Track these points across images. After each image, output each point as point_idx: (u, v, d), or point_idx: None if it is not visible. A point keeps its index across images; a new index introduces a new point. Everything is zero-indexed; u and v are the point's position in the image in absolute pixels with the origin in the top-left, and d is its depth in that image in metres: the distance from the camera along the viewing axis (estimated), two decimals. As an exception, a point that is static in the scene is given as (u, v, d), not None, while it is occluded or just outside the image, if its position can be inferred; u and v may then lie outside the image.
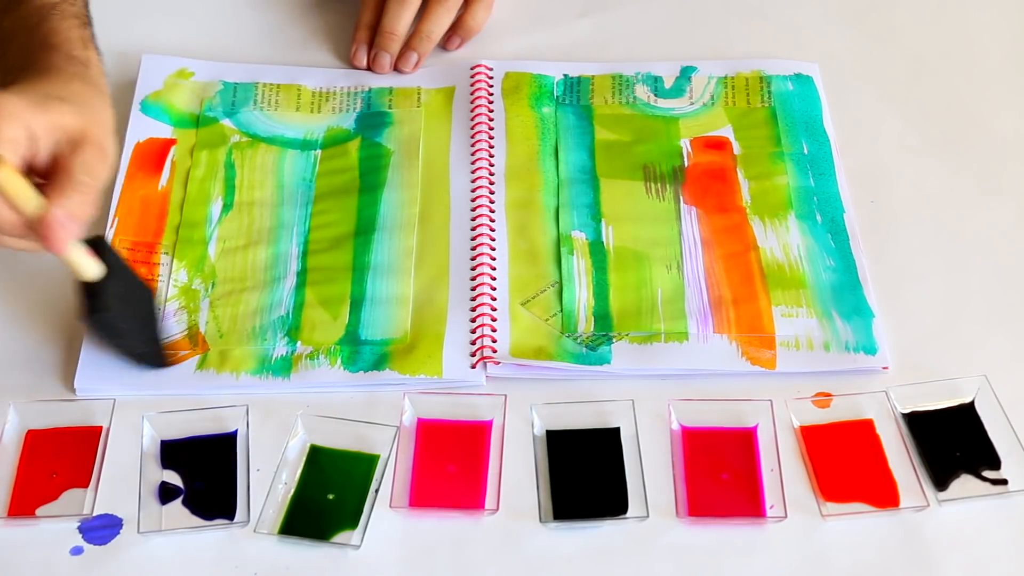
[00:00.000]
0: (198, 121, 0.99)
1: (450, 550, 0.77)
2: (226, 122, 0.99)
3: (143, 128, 0.98)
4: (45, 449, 0.80)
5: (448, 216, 0.94)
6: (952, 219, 0.94)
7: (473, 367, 0.85)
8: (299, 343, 0.86)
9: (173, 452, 0.80)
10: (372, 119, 1.00)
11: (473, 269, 0.90)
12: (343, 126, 1.00)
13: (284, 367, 0.85)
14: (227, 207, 0.94)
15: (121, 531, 0.77)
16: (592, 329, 0.86)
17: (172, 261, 0.90)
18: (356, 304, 0.88)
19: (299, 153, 0.98)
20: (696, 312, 0.87)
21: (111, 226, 0.91)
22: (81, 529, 0.77)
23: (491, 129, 0.99)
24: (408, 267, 0.90)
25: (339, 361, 0.85)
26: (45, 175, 0.75)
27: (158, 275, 0.89)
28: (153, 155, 0.97)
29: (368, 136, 0.99)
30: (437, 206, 0.94)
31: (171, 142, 0.98)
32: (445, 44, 1.05)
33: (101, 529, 0.77)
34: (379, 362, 0.85)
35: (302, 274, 0.90)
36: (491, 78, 1.02)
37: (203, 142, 0.98)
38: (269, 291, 0.89)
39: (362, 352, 0.85)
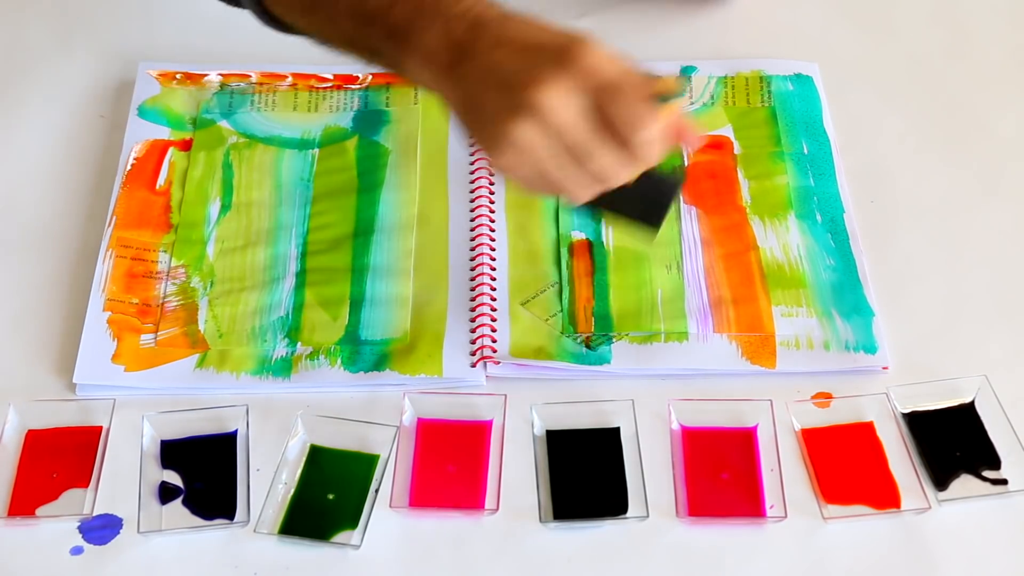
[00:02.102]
0: (195, 123, 0.99)
1: (450, 550, 0.77)
2: (223, 123, 0.99)
3: (141, 131, 0.98)
4: (45, 449, 0.80)
5: (447, 216, 0.93)
6: (952, 219, 0.94)
7: (473, 367, 0.85)
8: (299, 344, 0.86)
9: (173, 452, 0.80)
10: (369, 117, 1.00)
11: (473, 269, 0.90)
12: (340, 124, 0.99)
13: (284, 367, 0.84)
14: (225, 208, 0.94)
15: (121, 531, 0.77)
16: (592, 329, 0.86)
17: (171, 260, 0.90)
18: (356, 305, 0.88)
19: (296, 153, 0.98)
20: (696, 312, 0.87)
21: (109, 225, 0.91)
22: (81, 529, 0.77)
23: (491, 129, 0.99)
24: (407, 267, 0.90)
25: (339, 361, 0.85)
26: None
27: (156, 273, 0.89)
28: (152, 156, 0.97)
29: (365, 135, 0.99)
30: (436, 206, 0.94)
31: (169, 143, 0.98)
32: None
33: (101, 529, 0.77)
34: (379, 362, 0.85)
35: (301, 275, 0.90)
36: (491, 77, 1.02)
37: (201, 143, 0.98)
38: (268, 291, 0.89)
39: (362, 352, 0.85)
